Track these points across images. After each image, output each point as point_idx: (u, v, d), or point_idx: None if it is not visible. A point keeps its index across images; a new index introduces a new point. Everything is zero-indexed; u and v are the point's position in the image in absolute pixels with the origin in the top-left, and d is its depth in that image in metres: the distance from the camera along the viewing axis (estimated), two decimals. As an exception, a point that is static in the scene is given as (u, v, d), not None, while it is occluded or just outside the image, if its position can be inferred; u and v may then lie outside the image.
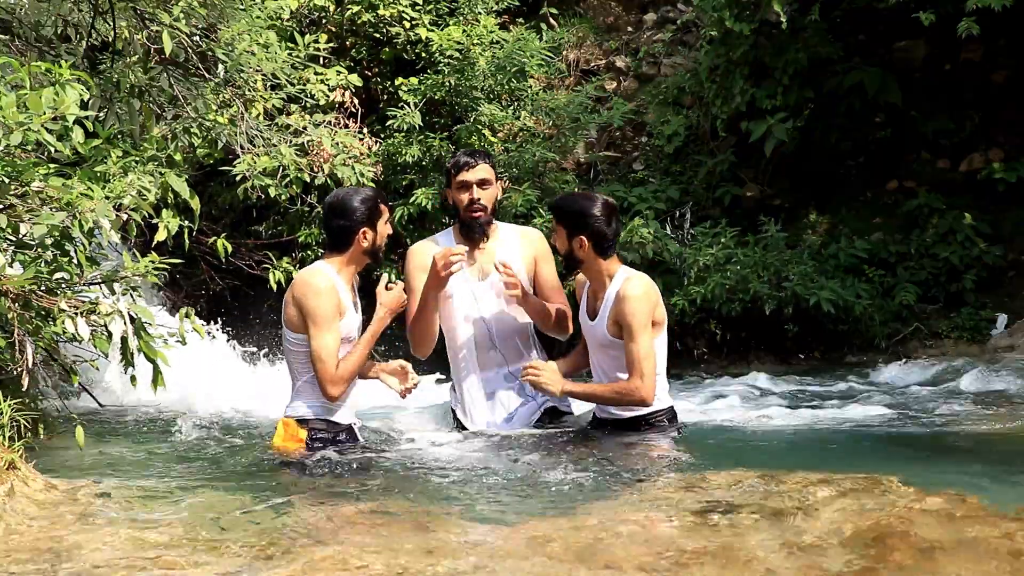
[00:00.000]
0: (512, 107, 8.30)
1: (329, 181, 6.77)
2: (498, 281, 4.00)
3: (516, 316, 4.12)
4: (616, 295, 3.80)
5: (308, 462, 3.59)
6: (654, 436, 3.88)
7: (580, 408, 4.20)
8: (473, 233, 4.05)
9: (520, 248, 4.15)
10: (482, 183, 4.04)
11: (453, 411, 4.20)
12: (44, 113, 3.29)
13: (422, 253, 4.12)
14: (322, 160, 6.74)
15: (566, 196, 4.07)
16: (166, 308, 6.94)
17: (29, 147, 3.44)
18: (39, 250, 3.52)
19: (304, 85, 6.80)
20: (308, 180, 6.49)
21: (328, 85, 7.40)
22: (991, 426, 4.33)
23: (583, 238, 3.82)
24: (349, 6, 8.37)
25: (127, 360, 3.54)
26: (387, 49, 8.45)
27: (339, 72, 7.54)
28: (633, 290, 3.77)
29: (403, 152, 7.80)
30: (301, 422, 3.77)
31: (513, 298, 4.00)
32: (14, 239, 3.48)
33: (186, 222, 4.54)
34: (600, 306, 3.87)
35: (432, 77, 8.01)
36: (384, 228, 3.83)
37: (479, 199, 4.03)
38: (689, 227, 7.97)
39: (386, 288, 3.80)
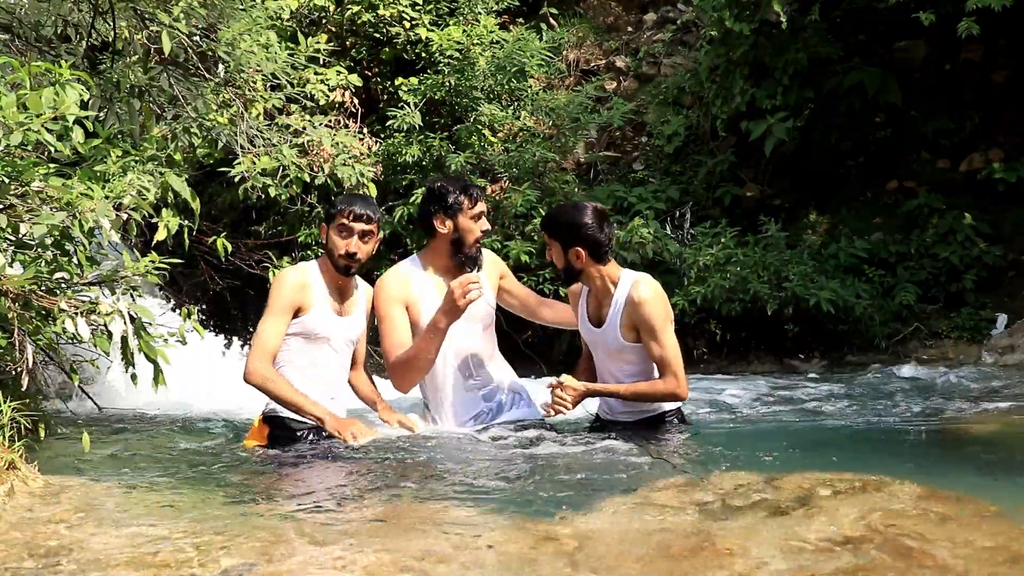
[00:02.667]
0: (512, 107, 8.31)
1: (329, 181, 6.78)
2: (479, 312, 4.00)
3: (488, 345, 4.11)
4: (628, 299, 3.78)
5: (304, 462, 3.59)
6: (656, 436, 3.89)
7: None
8: (470, 262, 3.96)
9: (487, 277, 4.12)
10: (485, 214, 4.06)
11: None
12: (44, 113, 3.29)
13: (394, 283, 3.96)
14: (322, 160, 6.74)
15: (554, 210, 4.08)
16: (167, 305, 6.95)
17: (29, 147, 3.43)
18: (39, 250, 3.52)
19: (304, 85, 6.80)
20: (308, 180, 6.50)
21: (328, 85, 7.41)
22: (991, 426, 4.33)
23: (579, 249, 3.80)
24: (349, 6, 8.38)
25: (127, 360, 3.54)
26: (387, 49, 8.46)
27: (339, 72, 7.54)
28: (646, 292, 3.76)
29: (403, 152, 7.80)
30: (266, 419, 3.80)
31: (487, 329, 4.06)
32: (14, 239, 3.48)
33: (186, 222, 4.54)
34: (606, 312, 3.85)
35: (432, 77, 8.02)
36: (335, 236, 3.74)
37: (488, 230, 4.07)
38: (689, 227, 7.98)
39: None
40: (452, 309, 3.74)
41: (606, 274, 3.85)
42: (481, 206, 4.00)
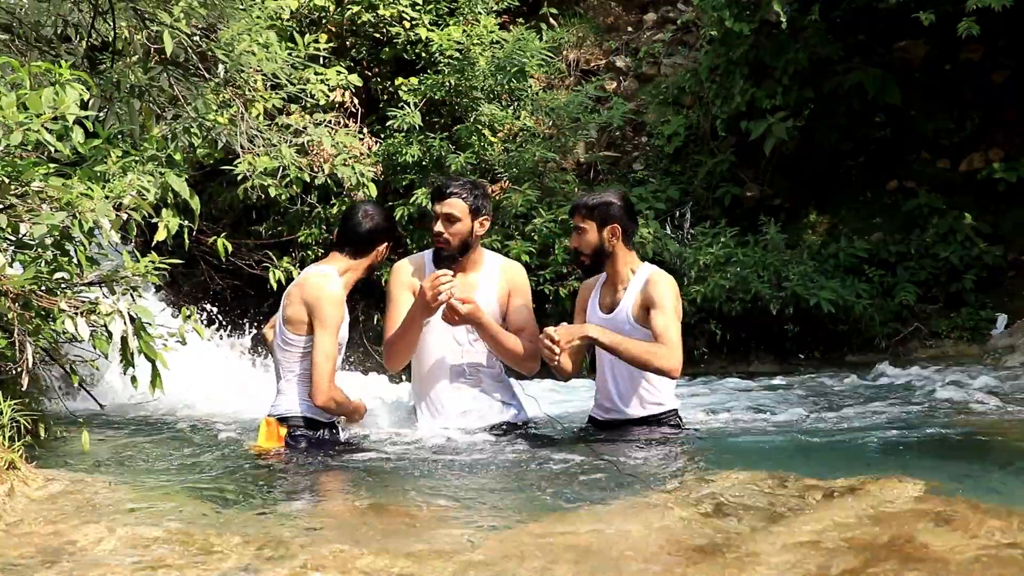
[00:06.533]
0: (512, 107, 8.30)
1: (329, 181, 6.77)
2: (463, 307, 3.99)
3: (484, 349, 4.08)
4: (647, 280, 3.88)
5: (304, 462, 3.59)
6: (656, 437, 3.89)
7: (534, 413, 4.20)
8: (440, 262, 3.98)
9: (497, 281, 4.09)
10: (448, 218, 3.95)
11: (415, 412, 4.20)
12: (44, 113, 3.29)
13: (407, 269, 4.10)
14: (322, 160, 6.73)
15: (584, 195, 4.10)
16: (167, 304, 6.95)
17: (29, 147, 3.43)
18: (39, 250, 3.52)
19: (304, 85, 6.80)
20: (308, 180, 6.50)
21: (328, 85, 7.40)
22: (991, 426, 4.33)
23: (615, 226, 3.89)
24: (349, 6, 8.37)
25: (127, 360, 3.53)
26: (387, 49, 8.45)
27: (339, 72, 7.53)
28: (663, 276, 3.90)
29: (403, 152, 7.80)
30: (282, 420, 3.81)
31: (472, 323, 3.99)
32: (14, 239, 3.48)
33: (186, 222, 4.54)
34: (620, 298, 3.90)
35: (432, 77, 8.01)
36: (378, 259, 3.97)
37: (441, 233, 3.96)
38: (689, 227, 7.98)
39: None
40: (423, 306, 3.86)
41: (630, 261, 3.95)
42: (437, 207, 3.97)
